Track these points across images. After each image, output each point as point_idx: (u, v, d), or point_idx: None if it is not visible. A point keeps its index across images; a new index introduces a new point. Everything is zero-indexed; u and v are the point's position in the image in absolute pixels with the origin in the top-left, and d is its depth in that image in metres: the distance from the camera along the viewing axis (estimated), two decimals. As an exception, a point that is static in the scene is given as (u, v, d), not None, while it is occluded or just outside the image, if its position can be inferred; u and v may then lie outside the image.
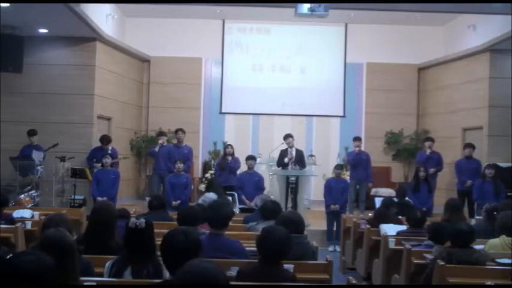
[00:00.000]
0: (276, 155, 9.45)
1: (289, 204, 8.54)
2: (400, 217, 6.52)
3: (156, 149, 10.07)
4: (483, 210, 6.04)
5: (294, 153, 9.02)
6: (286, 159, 8.95)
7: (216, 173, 9.98)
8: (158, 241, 2.96)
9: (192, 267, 2.08)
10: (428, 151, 10.03)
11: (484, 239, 4.95)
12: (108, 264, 3.28)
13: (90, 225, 4.00)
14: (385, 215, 6.35)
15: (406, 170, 12.32)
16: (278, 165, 9.15)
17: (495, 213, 5.63)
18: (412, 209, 6.68)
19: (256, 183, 8.89)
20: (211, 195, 6.07)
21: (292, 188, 8.62)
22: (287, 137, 9.21)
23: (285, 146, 9.31)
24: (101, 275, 3.28)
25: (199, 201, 6.19)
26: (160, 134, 10.48)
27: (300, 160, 8.99)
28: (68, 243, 2.75)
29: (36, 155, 9.28)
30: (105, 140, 9.75)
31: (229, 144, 10.05)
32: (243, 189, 8.84)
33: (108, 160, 8.64)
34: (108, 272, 3.24)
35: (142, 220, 3.28)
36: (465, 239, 4.23)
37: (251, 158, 9.16)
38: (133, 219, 3.31)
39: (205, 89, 12.67)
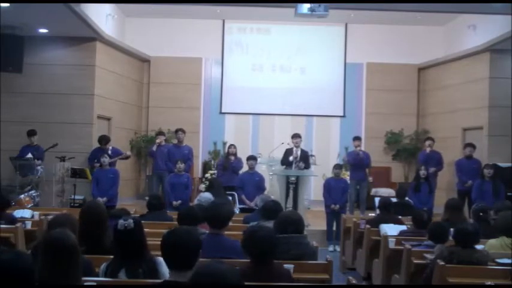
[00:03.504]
0: (276, 155, 9.47)
1: (289, 204, 8.54)
2: (400, 217, 6.52)
3: (154, 149, 10.07)
4: (471, 212, 6.02)
5: (299, 152, 9.03)
6: (291, 158, 8.94)
7: (218, 172, 9.98)
8: (158, 241, 2.95)
9: (205, 268, 2.08)
10: (428, 149, 10.05)
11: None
12: (103, 266, 3.28)
13: (81, 225, 3.96)
14: (386, 218, 6.33)
15: (406, 170, 12.32)
16: (282, 164, 9.11)
17: (481, 214, 5.63)
18: (413, 209, 6.68)
19: (257, 184, 8.88)
20: (207, 195, 6.08)
21: (293, 188, 8.62)
22: (295, 136, 9.14)
23: (288, 146, 9.32)
24: (98, 275, 3.28)
25: (195, 201, 6.20)
26: (159, 133, 10.49)
27: (304, 161, 9.01)
28: (71, 244, 2.75)
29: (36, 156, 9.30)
30: (103, 140, 9.73)
31: (232, 144, 10.05)
32: (243, 189, 8.84)
33: (106, 160, 8.58)
34: (103, 274, 3.23)
35: (131, 221, 3.25)
36: (469, 239, 4.23)
37: (252, 158, 9.16)
38: (121, 221, 3.26)
39: (205, 89, 12.67)
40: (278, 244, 3.47)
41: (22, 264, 2.18)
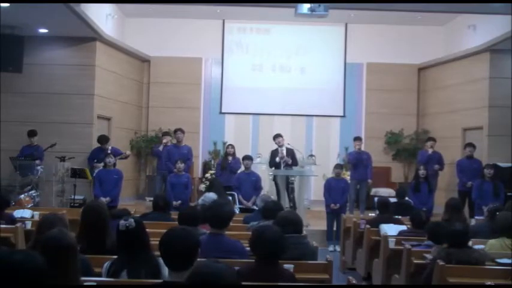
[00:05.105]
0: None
1: (289, 204, 8.55)
2: (399, 217, 6.52)
3: (160, 149, 10.08)
4: (486, 210, 6.04)
5: (284, 152, 9.09)
6: (277, 159, 9.03)
7: (217, 173, 9.98)
8: (158, 241, 2.95)
9: (202, 268, 2.08)
10: (430, 151, 10.06)
11: (486, 239, 4.94)
12: (106, 264, 3.27)
13: (82, 226, 3.95)
14: (386, 218, 6.33)
15: (406, 170, 12.32)
16: (270, 166, 9.21)
17: (497, 213, 5.63)
18: (412, 209, 6.67)
19: (253, 183, 8.88)
20: (211, 195, 6.07)
21: (292, 188, 8.64)
22: (276, 136, 9.34)
23: (277, 147, 9.37)
24: (98, 275, 3.27)
25: (199, 201, 6.19)
26: (165, 133, 10.48)
27: (291, 157, 9.07)
28: (69, 244, 2.75)
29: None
30: (103, 139, 9.74)
31: (230, 144, 10.06)
32: (240, 189, 8.84)
33: (111, 160, 8.59)
34: (106, 273, 3.23)
35: (132, 220, 3.24)
36: (460, 239, 4.23)
37: (247, 158, 9.17)
38: (122, 221, 3.24)
39: (205, 89, 12.67)
40: (286, 245, 3.48)
41: (34, 264, 2.16)
